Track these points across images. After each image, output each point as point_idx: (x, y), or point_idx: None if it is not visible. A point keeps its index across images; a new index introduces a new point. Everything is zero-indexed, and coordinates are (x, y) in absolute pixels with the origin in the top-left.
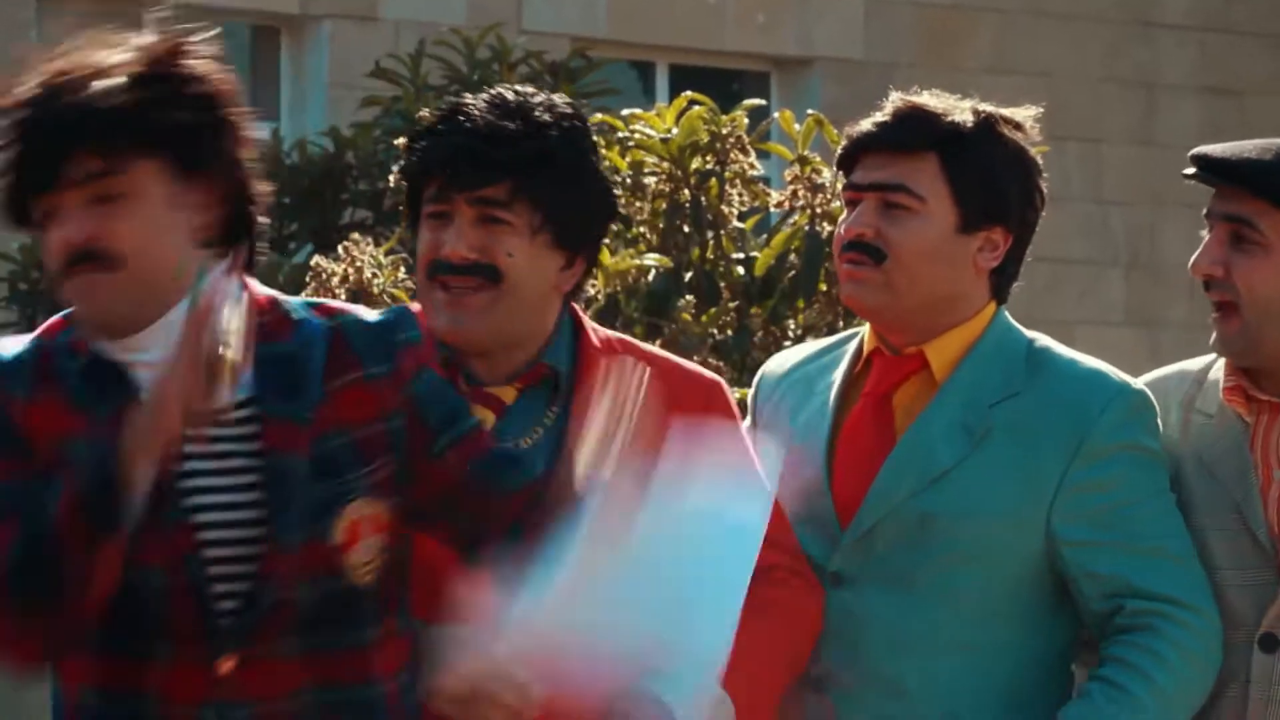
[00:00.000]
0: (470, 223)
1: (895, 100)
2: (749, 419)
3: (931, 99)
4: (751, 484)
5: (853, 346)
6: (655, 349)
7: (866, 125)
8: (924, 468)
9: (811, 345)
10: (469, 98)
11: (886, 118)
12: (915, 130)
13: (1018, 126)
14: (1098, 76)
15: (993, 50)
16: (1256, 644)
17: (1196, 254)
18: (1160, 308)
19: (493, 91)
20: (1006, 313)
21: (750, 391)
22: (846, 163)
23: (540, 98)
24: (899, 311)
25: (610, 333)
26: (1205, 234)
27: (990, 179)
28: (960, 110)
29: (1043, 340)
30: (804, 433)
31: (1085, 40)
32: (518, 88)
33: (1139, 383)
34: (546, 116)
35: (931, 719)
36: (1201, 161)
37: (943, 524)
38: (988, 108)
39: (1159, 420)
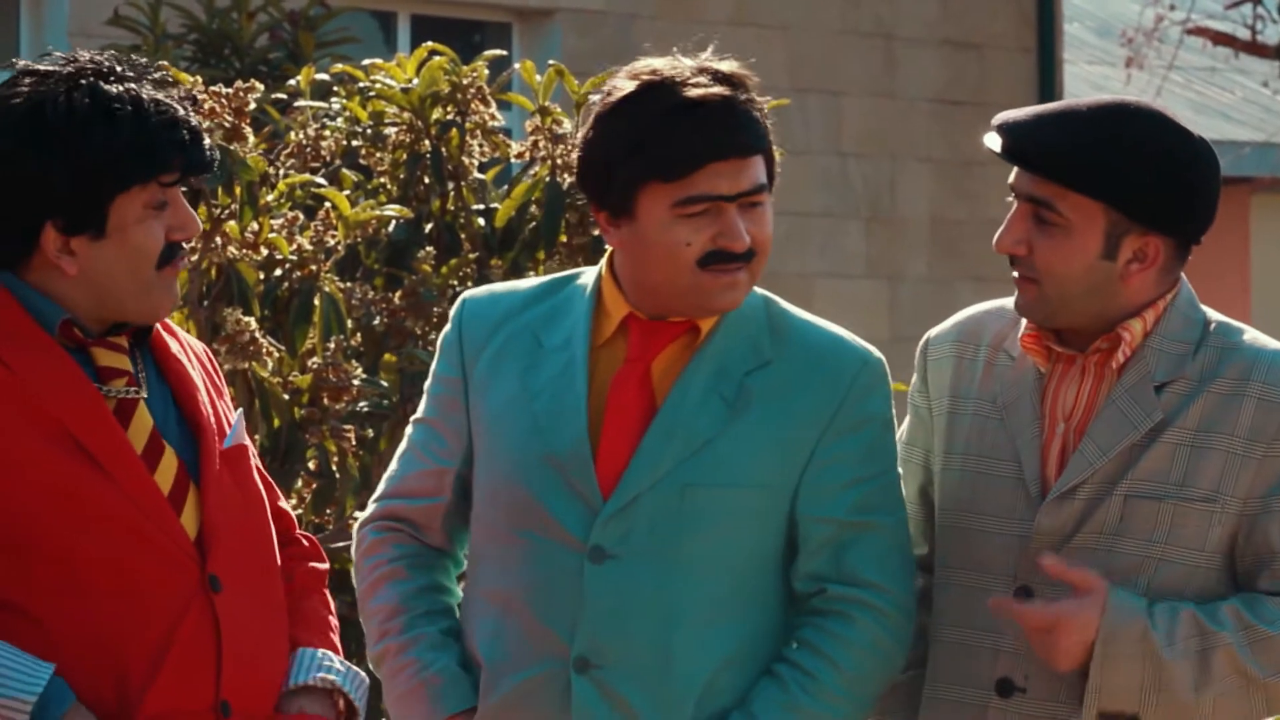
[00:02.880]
0: None
1: (721, 97)
2: (452, 356)
3: (725, 68)
4: None
5: (583, 301)
6: None
7: (719, 132)
8: (687, 437)
9: (514, 285)
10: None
11: (729, 125)
12: (759, 135)
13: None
14: (837, 29)
15: (733, 2)
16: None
17: (1000, 231)
18: (900, 261)
19: None
20: None
21: (451, 329)
22: (689, 169)
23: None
24: None
25: None
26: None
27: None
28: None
29: (776, 301)
30: (549, 396)
31: None
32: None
33: (875, 350)
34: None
35: (695, 689)
36: (1005, 133)
37: (704, 494)
38: (733, 69)
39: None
